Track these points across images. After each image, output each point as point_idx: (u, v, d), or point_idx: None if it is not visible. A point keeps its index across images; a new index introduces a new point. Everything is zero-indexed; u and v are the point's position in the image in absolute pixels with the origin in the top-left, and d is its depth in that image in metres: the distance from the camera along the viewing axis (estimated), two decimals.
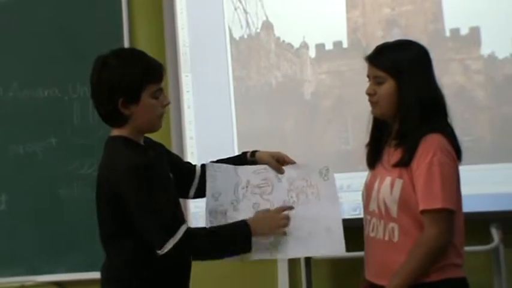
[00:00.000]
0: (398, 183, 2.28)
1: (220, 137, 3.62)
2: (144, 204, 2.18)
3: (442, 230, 2.21)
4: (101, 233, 2.32)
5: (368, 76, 2.38)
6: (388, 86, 2.31)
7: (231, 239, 2.28)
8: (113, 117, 2.25)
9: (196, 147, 3.63)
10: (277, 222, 2.33)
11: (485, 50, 3.40)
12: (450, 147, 2.28)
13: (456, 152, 2.31)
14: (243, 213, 2.40)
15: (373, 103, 2.37)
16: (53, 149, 3.71)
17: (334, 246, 2.34)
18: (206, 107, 3.63)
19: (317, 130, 3.56)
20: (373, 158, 2.43)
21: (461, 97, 3.40)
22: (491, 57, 3.40)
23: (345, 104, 3.53)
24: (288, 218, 2.35)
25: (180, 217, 2.26)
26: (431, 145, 2.25)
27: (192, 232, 2.22)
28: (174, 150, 3.37)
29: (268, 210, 2.38)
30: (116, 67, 2.22)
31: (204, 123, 3.63)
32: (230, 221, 2.39)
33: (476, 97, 3.42)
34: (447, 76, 3.37)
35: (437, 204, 2.21)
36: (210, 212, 2.44)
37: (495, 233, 3.39)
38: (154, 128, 2.32)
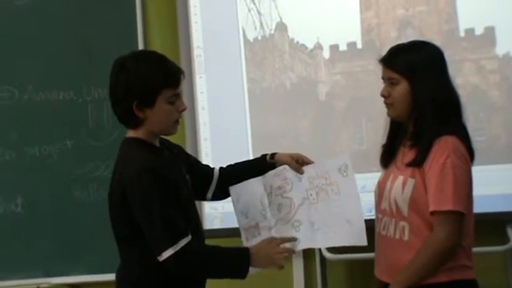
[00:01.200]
0: (410, 182, 2.29)
1: (235, 138, 3.63)
2: (149, 208, 2.18)
3: (451, 231, 2.21)
4: (115, 235, 2.33)
5: (382, 78, 2.39)
6: (402, 87, 2.32)
7: (229, 263, 2.27)
8: (128, 119, 2.27)
9: (211, 149, 3.64)
10: (276, 256, 2.30)
11: (500, 50, 3.39)
12: (464, 149, 2.28)
13: (469, 154, 2.31)
14: (273, 219, 2.41)
15: (388, 105, 2.38)
16: (68, 151, 3.72)
17: (355, 237, 2.32)
18: (220, 109, 3.63)
19: (331, 131, 3.55)
20: (387, 157, 2.44)
21: (476, 97, 3.39)
22: (507, 57, 3.38)
23: (359, 105, 3.52)
24: (290, 251, 2.33)
25: (184, 228, 2.22)
26: (445, 147, 2.25)
27: (193, 247, 2.21)
28: (189, 151, 3.35)
29: (271, 242, 2.33)
30: (133, 70, 2.23)
31: (219, 125, 3.63)
32: (263, 232, 2.40)
33: (491, 97, 3.40)
34: (462, 76, 3.36)
35: (448, 206, 2.21)
36: (244, 230, 2.47)
37: (511, 233, 3.37)
38: (169, 132, 2.33)
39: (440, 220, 2.22)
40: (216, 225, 3.55)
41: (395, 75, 2.33)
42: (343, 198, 2.36)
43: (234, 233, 3.48)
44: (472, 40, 3.42)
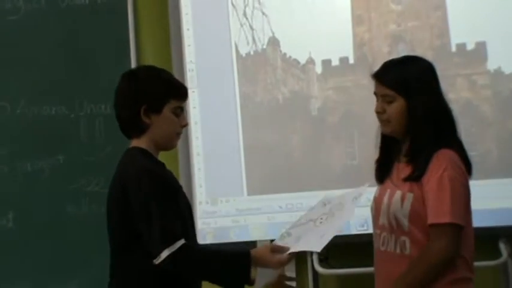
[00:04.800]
0: (409, 197, 2.29)
1: (227, 153, 3.63)
2: (149, 208, 2.18)
3: (447, 244, 2.21)
4: (112, 245, 2.32)
5: (375, 93, 2.39)
6: (398, 104, 2.32)
7: (229, 264, 2.24)
8: (133, 124, 2.30)
9: (204, 163, 3.64)
10: (272, 262, 2.26)
11: (491, 65, 3.40)
12: (461, 162, 2.30)
13: (466, 167, 2.32)
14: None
15: (383, 121, 2.37)
16: (60, 166, 3.71)
17: (315, 245, 2.29)
18: (213, 123, 3.64)
19: (324, 146, 3.56)
20: (383, 173, 2.43)
21: (468, 112, 3.40)
22: (498, 72, 3.40)
23: (351, 120, 3.53)
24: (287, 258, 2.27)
25: (181, 232, 2.21)
26: (442, 160, 2.26)
27: (190, 248, 2.21)
28: (181, 166, 3.38)
29: (267, 247, 2.30)
30: (145, 77, 2.33)
31: (211, 139, 3.64)
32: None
33: (483, 112, 3.41)
34: (454, 91, 3.37)
35: (446, 219, 2.21)
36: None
37: (503, 248, 3.38)
38: (170, 144, 2.36)
39: (438, 232, 2.22)
40: (209, 240, 3.55)
41: (390, 92, 2.33)
42: (335, 219, 2.36)
43: (226, 248, 3.51)
44: (464, 55, 3.44)
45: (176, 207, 2.26)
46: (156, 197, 2.19)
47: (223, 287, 2.26)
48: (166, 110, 2.29)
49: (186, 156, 3.63)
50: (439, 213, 2.22)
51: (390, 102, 2.33)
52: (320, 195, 3.43)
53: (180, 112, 2.34)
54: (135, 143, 2.33)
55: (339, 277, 3.63)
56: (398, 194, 2.32)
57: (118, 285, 2.32)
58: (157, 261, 2.17)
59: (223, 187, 3.64)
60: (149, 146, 2.32)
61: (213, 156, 3.63)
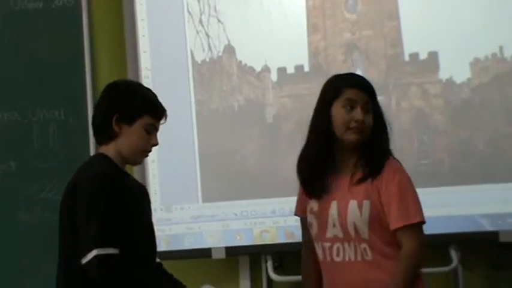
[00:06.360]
0: (366, 204, 2.34)
1: (182, 160, 3.62)
2: (91, 207, 2.18)
3: (422, 241, 2.33)
4: (61, 250, 2.30)
5: (353, 100, 2.38)
6: (372, 115, 2.40)
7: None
8: (103, 130, 2.33)
9: (158, 170, 3.62)
10: None
11: (443, 75, 3.45)
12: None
13: None
14: None
15: (360, 130, 2.38)
16: (12, 173, 3.67)
17: None
18: (168, 130, 3.61)
19: (279, 153, 3.57)
20: (319, 187, 2.42)
21: (420, 121, 3.45)
22: (449, 82, 3.45)
23: (306, 128, 3.53)
24: None
25: (117, 242, 2.18)
26: (395, 167, 2.38)
27: (120, 260, 2.18)
28: (136, 173, 3.36)
29: None
30: (124, 88, 2.39)
31: (166, 146, 3.60)
32: None
33: (435, 121, 3.46)
34: (406, 100, 3.43)
35: (416, 219, 2.33)
36: None
37: (454, 255, 3.43)
38: (134, 158, 2.38)
39: (411, 233, 2.32)
40: (163, 247, 3.52)
41: (369, 102, 2.40)
42: None
43: (180, 255, 3.50)
44: (417, 64, 3.49)
45: (125, 218, 2.23)
46: (103, 198, 2.19)
47: None
48: (138, 124, 2.32)
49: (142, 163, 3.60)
50: (408, 215, 2.32)
51: (367, 112, 2.38)
52: (275, 202, 3.49)
53: (153, 130, 2.37)
54: (103, 149, 2.36)
55: (294, 284, 3.64)
56: (353, 203, 2.35)
57: None
58: (84, 260, 2.16)
59: (178, 194, 3.63)
60: (115, 155, 2.33)
61: (168, 163, 3.62)
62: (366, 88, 2.42)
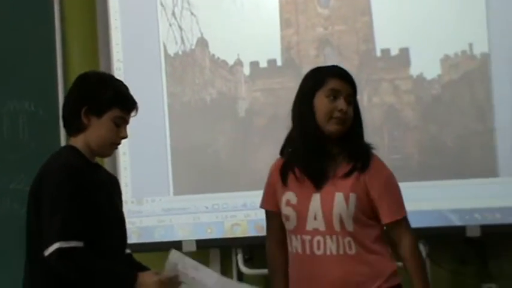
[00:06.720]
0: (352, 197, 2.36)
1: (154, 152, 3.62)
2: (56, 200, 2.17)
3: (412, 231, 2.43)
4: (28, 245, 2.28)
5: (336, 91, 2.39)
6: (353, 106, 2.42)
7: (113, 280, 2.23)
8: (72, 121, 2.32)
9: (130, 163, 3.61)
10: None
11: (414, 71, 3.49)
12: None
13: None
14: None
15: (342, 120, 2.39)
16: None
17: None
18: (140, 123, 3.60)
19: (251, 147, 3.58)
20: (296, 179, 2.43)
21: (391, 116, 3.48)
22: (420, 78, 3.49)
23: (278, 122, 3.54)
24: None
25: (81, 234, 2.17)
26: (382, 164, 2.43)
27: (83, 252, 2.17)
28: (108, 165, 3.34)
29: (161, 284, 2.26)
30: (94, 80, 2.36)
31: (138, 139, 3.59)
32: None
33: (406, 117, 3.49)
34: (378, 95, 3.46)
35: (404, 213, 2.41)
36: None
37: (422, 249, 3.45)
38: (103, 151, 2.37)
39: (404, 226, 2.41)
40: (134, 239, 3.51)
41: (352, 93, 2.42)
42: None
43: (150, 247, 3.49)
44: (388, 60, 3.51)
45: (91, 210, 2.22)
46: (69, 191, 2.18)
47: None
48: (107, 117, 2.31)
49: (112, 155, 3.58)
50: (398, 209, 2.40)
51: (349, 103, 2.40)
52: (245, 196, 3.49)
53: (122, 123, 2.35)
54: (72, 141, 2.35)
55: (264, 277, 3.66)
56: (339, 195, 2.36)
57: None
58: (46, 252, 2.15)
59: (149, 187, 3.62)
60: (83, 147, 2.32)
61: (140, 156, 3.61)
62: (350, 80, 2.43)
